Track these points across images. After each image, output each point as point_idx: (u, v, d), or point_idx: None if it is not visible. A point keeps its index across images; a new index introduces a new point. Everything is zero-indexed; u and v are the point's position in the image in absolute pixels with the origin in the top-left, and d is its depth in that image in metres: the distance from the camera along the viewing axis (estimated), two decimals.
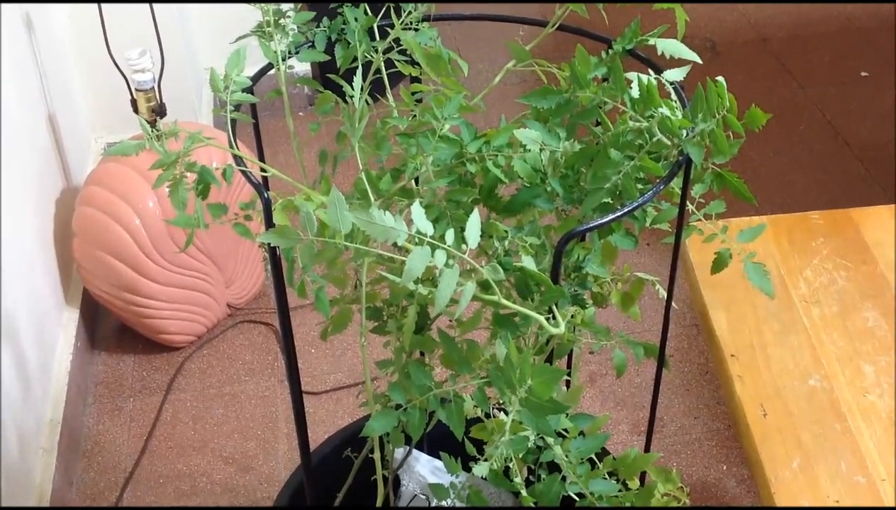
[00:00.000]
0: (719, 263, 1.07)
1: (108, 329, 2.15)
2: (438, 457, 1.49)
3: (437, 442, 1.49)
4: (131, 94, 1.97)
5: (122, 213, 1.90)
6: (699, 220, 1.09)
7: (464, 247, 0.85)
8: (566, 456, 0.90)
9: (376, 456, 1.15)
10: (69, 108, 2.26)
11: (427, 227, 0.84)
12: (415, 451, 1.48)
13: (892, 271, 1.22)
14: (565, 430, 0.99)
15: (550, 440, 0.92)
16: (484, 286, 0.90)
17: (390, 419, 0.95)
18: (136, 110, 1.98)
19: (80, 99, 2.37)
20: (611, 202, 1.00)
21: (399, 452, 1.45)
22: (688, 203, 1.04)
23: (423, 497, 1.47)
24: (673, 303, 1.15)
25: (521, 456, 0.93)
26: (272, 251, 1.02)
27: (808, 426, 1.06)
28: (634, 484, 1.06)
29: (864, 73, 2.92)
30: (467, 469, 1.02)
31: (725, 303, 1.20)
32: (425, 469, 1.49)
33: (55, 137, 2.10)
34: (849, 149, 2.62)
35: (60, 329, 1.98)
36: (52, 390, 1.86)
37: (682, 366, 2.03)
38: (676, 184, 1.07)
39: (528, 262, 0.90)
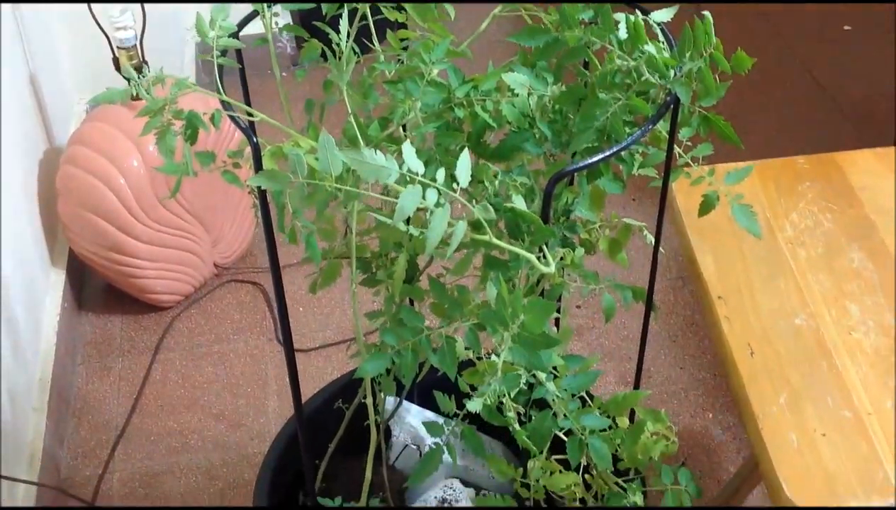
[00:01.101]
0: (706, 206, 1.08)
1: (95, 290, 2.15)
2: (429, 409, 1.50)
3: (427, 394, 1.50)
4: (113, 52, 1.96)
5: (106, 172, 1.89)
6: (686, 163, 1.10)
7: (455, 186, 0.85)
8: (558, 393, 0.91)
9: (368, 401, 1.16)
10: (51, 68, 2.24)
11: (418, 166, 0.84)
12: (405, 402, 1.49)
13: (877, 214, 1.23)
14: (556, 369, 1.00)
15: (542, 377, 0.93)
16: (475, 227, 0.91)
17: (383, 361, 0.95)
18: (118, 69, 1.96)
19: (62, 58, 2.35)
20: (599, 145, 1.01)
21: (390, 403, 1.46)
22: (675, 146, 1.05)
23: (414, 447, 1.48)
24: (660, 249, 1.16)
25: (512, 396, 0.94)
26: (262, 197, 1.02)
27: (794, 364, 1.08)
28: (624, 423, 1.07)
29: (846, 27, 2.93)
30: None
31: (712, 248, 1.21)
32: (416, 419, 1.50)
33: (38, 98, 2.08)
34: (834, 103, 2.63)
35: (47, 290, 1.98)
36: (41, 350, 1.86)
37: (667, 318, 2.05)
38: (664, 127, 1.08)
39: (518, 202, 0.91)
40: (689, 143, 1.08)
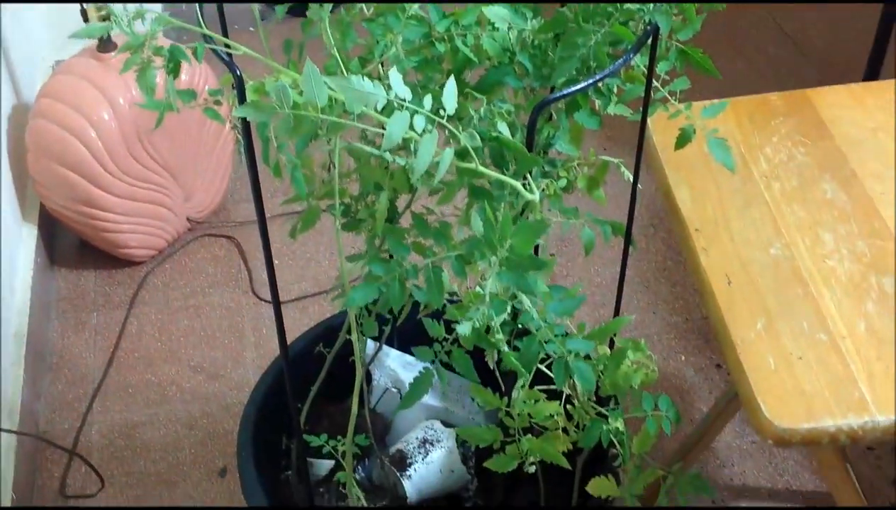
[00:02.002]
0: (683, 139, 1.09)
1: (68, 245, 2.14)
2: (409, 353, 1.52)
3: (406, 341, 1.52)
4: (81, 4, 1.93)
5: (76, 125, 1.87)
6: (664, 97, 1.11)
7: (441, 112, 0.86)
8: (544, 318, 0.93)
9: (354, 336, 1.17)
10: (17, 24, 2.20)
11: (405, 93, 0.85)
12: (385, 347, 1.51)
13: (847, 146, 1.25)
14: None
15: (528, 304, 0.95)
16: (460, 156, 0.92)
17: (371, 290, 0.96)
18: (86, 20, 1.94)
19: (28, 14, 2.31)
20: (579, 79, 1.02)
21: (370, 348, 1.47)
22: (653, 81, 1.06)
23: (395, 390, 1.50)
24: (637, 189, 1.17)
25: (498, 325, 0.96)
26: (246, 132, 1.02)
27: (771, 292, 1.10)
28: (605, 353, 1.10)
29: None
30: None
31: (688, 183, 1.24)
32: (396, 363, 1.51)
33: (3, 53, 2.05)
34: (797, 48, 2.65)
35: (19, 245, 1.96)
36: (14, 305, 1.84)
37: (639, 264, 2.07)
38: (642, 60, 1.09)
39: (503, 129, 0.92)
40: (666, 77, 1.10)
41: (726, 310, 1.09)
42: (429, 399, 1.49)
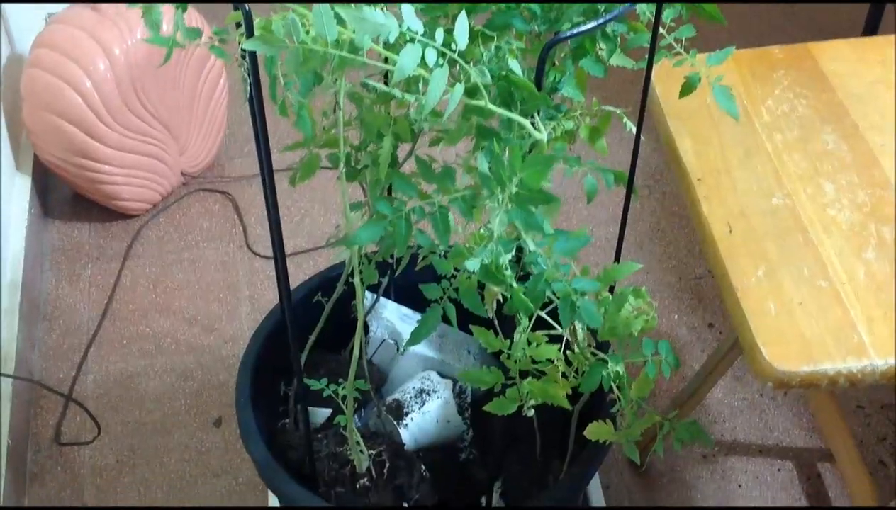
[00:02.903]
0: (688, 87, 1.10)
1: (62, 197, 2.13)
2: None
3: (403, 297, 1.52)
4: None
5: (72, 75, 1.86)
6: (669, 44, 1.11)
7: (453, 46, 0.86)
8: (550, 258, 0.93)
9: (356, 280, 1.17)
10: None
11: (417, 25, 0.85)
12: (382, 299, 1.51)
13: (848, 99, 1.26)
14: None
15: (534, 245, 0.95)
16: (469, 94, 0.92)
17: (377, 229, 0.96)
18: None
19: None
20: (586, 22, 1.02)
21: (368, 300, 1.47)
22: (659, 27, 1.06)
23: (392, 342, 1.51)
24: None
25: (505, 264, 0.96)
26: (253, 66, 1.02)
27: (771, 239, 1.11)
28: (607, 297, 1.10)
29: None
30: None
31: (691, 133, 1.24)
32: (393, 315, 1.52)
33: None
34: (803, 14, 2.66)
35: (13, 195, 1.95)
36: (9, 255, 1.84)
37: (634, 225, 2.08)
38: (649, 8, 1.09)
39: (513, 66, 0.92)
40: (672, 24, 1.10)
41: (727, 257, 1.10)
42: (426, 351, 1.50)
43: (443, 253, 1.06)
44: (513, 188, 0.86)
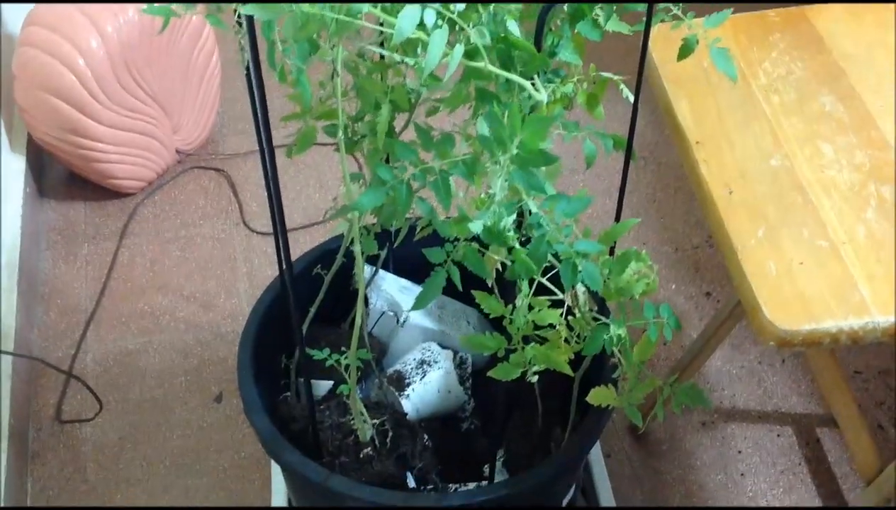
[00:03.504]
0: (685, 50, 1.09)
1: (57, 177, 2.12)
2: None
3: (402, 270, 1.53)
4: None
5: (65, 52, 1.85)
6: (667, 7, 1.11)
7: (452, 6, 0.86)
8: (553, 219, 0.94)
9: (356, 248, 1.17)
10: None
11: None
12: (381, 271, 1.51)
13: (845, 61, 1.26)
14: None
15: (535, 207, 0.95)
16: (469, 56, 0.91)
17: (378, 194, 0.96)
18: None
19: None
20: None
21: (367, 272, 1.48)
22: None
23: (391, 314, 1.51)
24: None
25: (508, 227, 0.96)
26: (251, 31, 1.01)
27: (771, 201, 1.11)
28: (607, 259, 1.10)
29: None
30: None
31: (688, 97, 1.24)
32: (392, 287, 1.52)
33: None
34: None
35: (8, 175, 1.94)
36: (5, 235, 1.83)
37: (630, 196, 2.08)
38: None
39: (512, 27, 0.92)
40: None
41: (727, 219, 1.11)
42: (425, 322, 1.50)
43: (444, 218, 1.06)
44: (513, 150, 0.86)
